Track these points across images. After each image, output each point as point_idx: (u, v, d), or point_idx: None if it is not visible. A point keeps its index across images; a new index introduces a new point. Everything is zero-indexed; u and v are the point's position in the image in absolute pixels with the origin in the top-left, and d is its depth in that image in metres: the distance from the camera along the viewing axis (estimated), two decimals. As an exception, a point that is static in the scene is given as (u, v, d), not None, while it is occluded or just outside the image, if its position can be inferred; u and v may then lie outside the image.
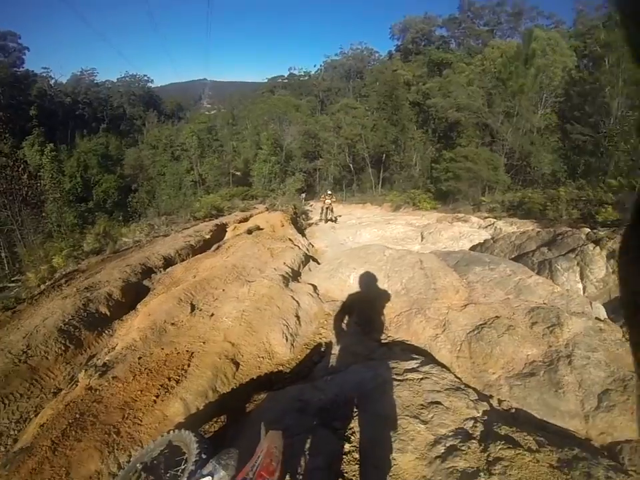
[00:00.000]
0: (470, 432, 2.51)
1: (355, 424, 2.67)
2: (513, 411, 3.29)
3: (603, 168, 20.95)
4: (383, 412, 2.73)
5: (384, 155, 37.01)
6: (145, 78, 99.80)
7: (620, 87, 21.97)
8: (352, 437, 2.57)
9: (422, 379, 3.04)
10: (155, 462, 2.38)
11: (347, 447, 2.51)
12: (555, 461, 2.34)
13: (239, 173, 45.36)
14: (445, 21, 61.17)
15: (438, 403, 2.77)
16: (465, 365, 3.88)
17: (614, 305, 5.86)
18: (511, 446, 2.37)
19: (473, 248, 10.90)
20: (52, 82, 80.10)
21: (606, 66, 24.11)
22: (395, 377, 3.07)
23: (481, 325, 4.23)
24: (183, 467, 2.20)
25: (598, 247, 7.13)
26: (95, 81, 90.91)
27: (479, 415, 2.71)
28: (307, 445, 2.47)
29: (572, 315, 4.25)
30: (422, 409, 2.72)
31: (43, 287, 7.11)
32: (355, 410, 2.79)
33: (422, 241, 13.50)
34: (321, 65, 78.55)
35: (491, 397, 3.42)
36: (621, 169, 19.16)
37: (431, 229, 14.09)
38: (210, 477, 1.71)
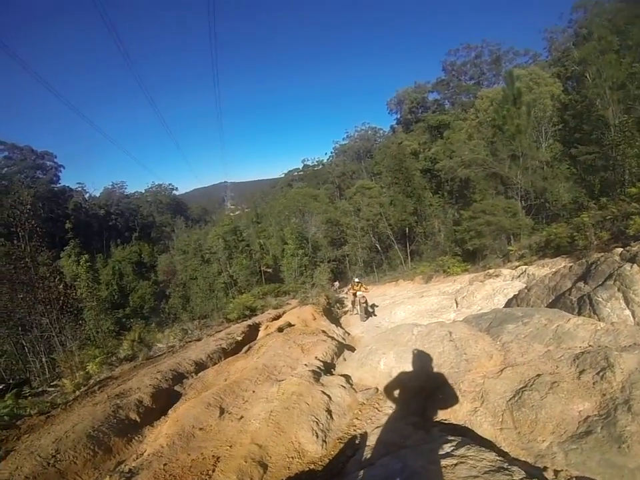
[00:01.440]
0: None
1: None
2: None
3: (619, 180, 20.54)
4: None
5: (407, 229, 37.16)
6: (170, 186, 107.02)
7: (608, 95, 22.18)
8: None
9: (456, 464, 2.67)
10: None
11: None
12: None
13: (270, 270, 45.98)
14: (434, 86, 64.95)
15: None
16: (510, 437, 3.44)
17: None
18: None
19: (508, 302, 10.46)
20: (86, 196, 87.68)
21: (589, 80, 24.48)
22: (425, 466, 2.74)
23: (521, 388, 3.83)
24: None
25: (635, 265, 6.64)
26: (125, 193, 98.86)
27: None
28: None
29: (622, 350, 3.81)
30: None
31: (77, 392, 7.37)
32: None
33: (457, 307, 13.12)
34: (331, 152, 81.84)
35: (545, 469, 2.96)
36: (637, 174, 18.80)
37: (464, 293, 13.72)
38: None
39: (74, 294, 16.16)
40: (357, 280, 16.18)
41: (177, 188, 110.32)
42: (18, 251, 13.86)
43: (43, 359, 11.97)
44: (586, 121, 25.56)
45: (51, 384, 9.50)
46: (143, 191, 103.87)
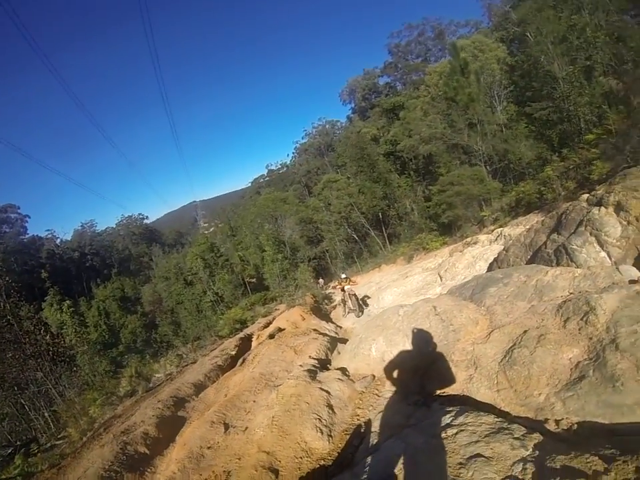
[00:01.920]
0: (520, 478, 2.17)
1: None
2: (575, 427, 2.83)
3: (576, 129, 20.89)
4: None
5: (380, 214, 37.31)
6: (140, 216, 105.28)
7: (552, 50, 22.50)
8: None
9: (456, 433, 2.70)
10: None
11: None
12: (632, 472, 1.96)
13: (254, 280, 45.76)
14: (383, 70, 64.86)
15: (478, 455, 2.43)
16: (508, 396, 3.49)
17: None
18: (571, 478, 2.01)
19: (489, 267, 10.62)
20: (58, 241, 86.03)
21: (531, 39, 24.89)
22: (427, 440, 2.75)
23: (510, 347, 3.88)
24: None
25: (603, 207, 6.76)
26: (97, 231, 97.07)
27: (528, 452, 2.35)
28: None
29: (602, 292, 3.86)
30: (460, 468, 2.40)
31: (84, 439, 7.47)
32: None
33: (441, 281, 13.24)
34: (293, 153, 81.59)
35: (546, 420, 3.00)
36: (592, 121, 19.16)
37: (446, 266, 13.88)
38: None
39: (62, 342, 15.99)
40: (343, 276, 15.18)
41: (147, 217, 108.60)
42: None
43: (45, 414, 11.93)
44: (534, 78, 25.81)
45: (58, 437, 9.54)
46: (114, 226, 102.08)
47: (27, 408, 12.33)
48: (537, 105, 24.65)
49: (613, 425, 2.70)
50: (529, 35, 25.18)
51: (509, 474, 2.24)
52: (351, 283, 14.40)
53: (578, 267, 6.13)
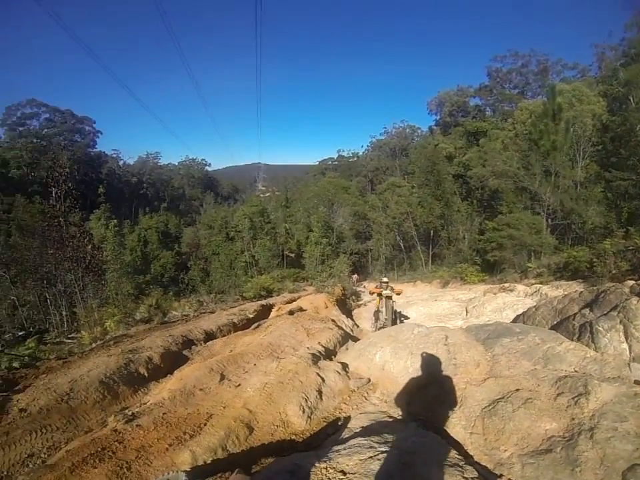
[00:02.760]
0: None
1: None
2: None
3: None
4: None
5: (432, 231, 37.04)
6: (203, 162, 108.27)
7: None
8: None
9: (417, 453, 2.98)
10: None
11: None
12: None
13: (292, 255, 46.32)
14: (477, 91, 63.35)
15: (426, 477, 2.69)
16: (477, 441, 3.70)
17: None
18: None
19: (516, 318, 10.56)
20: (121, 162, 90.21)
21: (632, 104, 23.66)
22: (390, 451, 3.01)
23: (497, 399, 4.07)
24: None
25: None
26: (159, 164, 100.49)
27: None
28: None
29: (603, 381, 3.94)
30: None
31: (94, 345, 8.09)
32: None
33: (466, 315, 13.23)
34: (367, 146, 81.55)
35: (501, 476, 3.22)
36: None
37: (475, 303, 13.80)
38: None
39: (100, 255, 16.80)
40: (385, 279, 11.52)
41: (210, 164, 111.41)
42: (52, 210, 14.63)
43: (64, 313, 12.66)
44: (625, 145, 24.80)
45: (69, 336, 10.16)
46: (176, 164, 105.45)
47: (48, 302, 13.27)
48: (619, 173, 23.60)
49: None
50: (631, 98, 24.01)
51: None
52: (394, 291, 11.12)
53: (597, 349, 6.11)
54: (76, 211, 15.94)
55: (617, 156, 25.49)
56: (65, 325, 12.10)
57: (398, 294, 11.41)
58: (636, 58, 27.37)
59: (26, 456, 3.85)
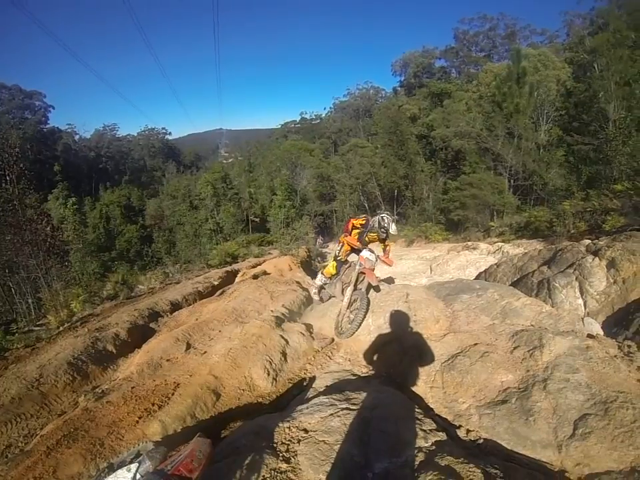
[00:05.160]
0: (408, 461, 2.50)
1: (299, 447, 2.73)
2: (481, 441, 3.16)
3: (609, 175, 20.53)
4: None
5: (396, 191, 37.32)
6: (164, 131, 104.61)
7: (613, 90, 21.88)
8: (292, 459, 2.64)
9: (377, 408, 3.06)
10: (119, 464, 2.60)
11: (283, 466, 2.58)
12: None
13: (257, 220, 45.97)
14: (443, 53, 63.04)
15: (382, 431, 2.77)
16: (437, 395, 3.83)
17: (617, 317, 5.70)
18: (443, 477, 2.30)
19: (478, 275, 10.85)
20: (76, 137, 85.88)
21: (596, 72, 24.16)
22: (349, 407, 3.11)
23: (456, 353, 4.19)
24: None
25: (597, 258, 6.86)
26: (117, 136, 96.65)
27: (426, 444, 2.67)
28: (247, 462, 2.63)
29: (557, 334, 4.08)
30: (363, 435, 2.74)
31: (61, 328, 8.00)
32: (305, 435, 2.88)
33: (430, 273, 13.52)
34: (330, 107, 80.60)
35: (459, 427, 3.35)
36: (627, 173, 18.68)
37: (440, 261, 14.12)
38: (137, 464, 1.94)
39: (61, 236, 16.24)
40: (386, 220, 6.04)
41: (170, 132, 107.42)
42: (6, 194, 13.85)
43: (29, 300, 12.24)
44: (587, 111, 25.26)
45: (37, 323, 9.94)
46: (135, 134, 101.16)
47: (13, 291, 12.66)
48: (581, 138, 24.15)
49: (512, 452, 3.00)
50: (596, 66, 24.40)
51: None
52: (385, 259, 6.16)
53: (554, 305, 6.35)
54: (32, 193, 15.23)
55: (579, 121, 25.97)
56: (32, 312, 11.75)
57: (389, 264, 6.27)
58: (603, 27, 27.57)
59: (4, 447, 3.92)
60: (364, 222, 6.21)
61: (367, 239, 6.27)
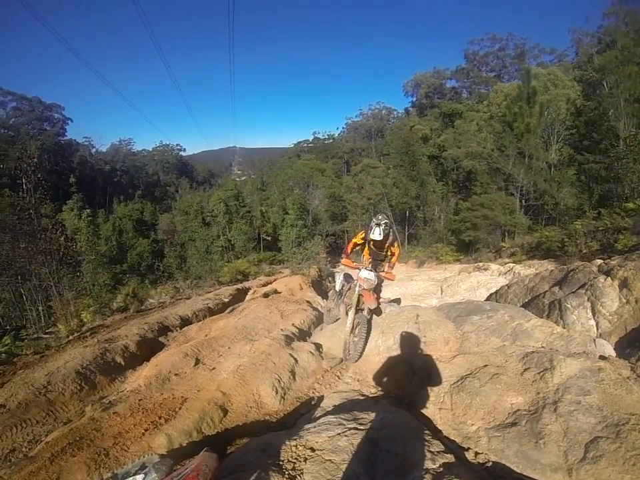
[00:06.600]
0: None
1: (305, 465, 2.71)
2: (490, 464, 3.09)
3: (621, 193, 20.25)
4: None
5: (407, 212, 37.31)
6: (178, 147, 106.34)
7: (623, 107, 21.81)
8: (297, 477, 2.61)
9: (384, 429, 3.03)
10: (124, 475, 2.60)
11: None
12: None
13: (269, 238, 46.08)
14: (453, 73, 63.36)
15: (389, 452, 2.74)
16: (446, 416, 3.78)
17: (630, 338, 5.58)
18: None
19: (489, 297, 10.77)
20: (93, 150, 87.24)
21: (606, 89, 24.11)
22: (357, 427, 3.08)
23: (466, 375, 4.16)
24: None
25: (609, 278, 6.72)
26: (132, 150, 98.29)
27: (434, 466, 2.63)
28: (253, 478, 2.61)
29: (568, 356, 4.04)
30: (370, 455, 2.71)
31: (70, 337, 8.14)
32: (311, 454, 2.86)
33: (441, 294, 13.43)
34: (343, 127, 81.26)
35: (468, 449, 3.29)
36: (638, 191, 18.62)
37: (450, 282, 14.05)
38: (143, 475, 1.95)
39: (74, 247, 16.44)
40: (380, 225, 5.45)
41: (184, 149, 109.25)
42: (22, 202, 14.19)
43: (40, 308, 12.42)
44: (597, 129, 25.15)
45: (46, 331, 10.06)
46: (150, 150, 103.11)
47: (24, 298, 12.89)
48: (592, 156, 24.03)
49: (521, 476, 2.94)
50: (605, 84, 24.43)
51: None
52: (385, 275, 5.72)
53: (565, 326, 6.26)
54: (47, 202, 15.53)
55: (590, 139, 25.83)
56: (42, 320, 11.91)
57: (391, 279, 5.76)
58: (611, 45, 27.70)
59: (8, 451, 3.91)
60: (363, 234, 5.75)
61: (373, 247, 5.84)
